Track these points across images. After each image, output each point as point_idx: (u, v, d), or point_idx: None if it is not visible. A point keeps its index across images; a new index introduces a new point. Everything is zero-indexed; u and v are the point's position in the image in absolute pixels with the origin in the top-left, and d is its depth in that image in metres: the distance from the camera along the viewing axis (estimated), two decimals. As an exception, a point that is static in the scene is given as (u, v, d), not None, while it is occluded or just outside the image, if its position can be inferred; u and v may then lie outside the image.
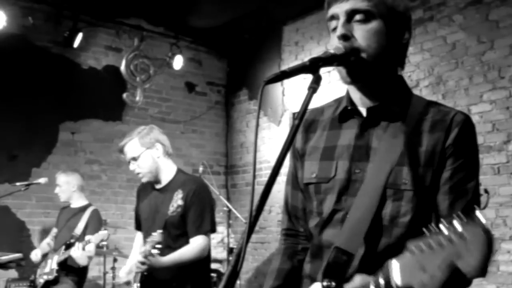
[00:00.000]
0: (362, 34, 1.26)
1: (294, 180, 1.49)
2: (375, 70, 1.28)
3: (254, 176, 0.99)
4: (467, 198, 1.27)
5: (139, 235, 3.19)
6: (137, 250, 3.11)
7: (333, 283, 1.23)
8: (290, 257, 1.49)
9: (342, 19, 1.27)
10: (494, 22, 4.42)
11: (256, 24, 6.62)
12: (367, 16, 1.26)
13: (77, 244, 4.15)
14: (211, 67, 7.21)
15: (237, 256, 0.95)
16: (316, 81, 1.08)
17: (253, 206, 0.97)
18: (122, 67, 6.24)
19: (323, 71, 1.11)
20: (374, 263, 1.19)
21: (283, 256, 1.50)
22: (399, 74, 1.37)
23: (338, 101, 1.44)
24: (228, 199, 6.63)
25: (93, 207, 4.69)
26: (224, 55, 7.33)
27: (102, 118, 6.17)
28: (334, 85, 5.66)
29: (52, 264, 4.41)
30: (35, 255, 4.63)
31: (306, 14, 6.16)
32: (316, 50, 5.98)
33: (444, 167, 1.27)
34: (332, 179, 1.34)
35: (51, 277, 4.37)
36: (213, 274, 5.12)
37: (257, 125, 1.02)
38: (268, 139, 6.57)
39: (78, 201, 4.71)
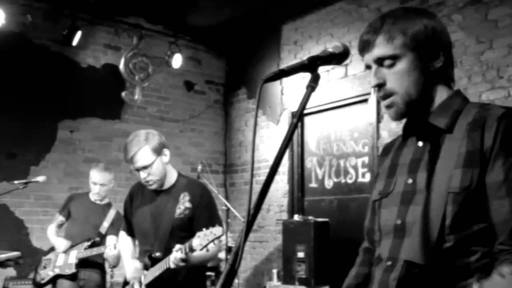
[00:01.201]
0: (392, 77, 1.32)
1: (372, 204, 1.53)
2: (416, 102, 1.33)
3: (252, 175, 0.99)
4: None
5: (123, 235, 3.13)
6: (128, 252, 3.04)
7: None
8: (367, 264, 1.54)
9: (373, 68, 1.34)
10: (493, 21, 4.42)
11: (255, 23, 6.62)
12: (394, 59, 1.31)
13: (107, 245, 4.14)
14: (210, 65, 7.21)
15: (235, 255, 0.95)
16: (315, 80, 1.09)
17: (251, 205, 0.97)
18: (121, 66, 6.24)
19: (321, 70, 1.11)
20: (441, 271, 1.22)
21: (361, 265, 1.57)
22: (455, 90, 1.38)
23: None
24: (226, 198, 6.63)
25: (115, 208, 4.59)
26: (223, 54, 7.33)
27: (101, 116, 6.17)
28: (332, 84, 5.66)
29: (70, 258, 4.28)
30: (62, 244, 4.31)
31: (305, 13, 6.16)
32: (315, 49, 5.98)
33: (493, 168, 1.21)
34: (390, 193, 1.39)
35: (68, 271, 4.23)
36: (212, 273, 5.12)
37: (256, 124, 1.02)
38: (266, 138, 6.57)
39: (104, 199, 4.61)
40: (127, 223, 3.09)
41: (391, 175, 1.42)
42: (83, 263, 4.30)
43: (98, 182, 4.47)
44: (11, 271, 5.23)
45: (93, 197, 4.53)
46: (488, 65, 4.42)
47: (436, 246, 1.21)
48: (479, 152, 1.22)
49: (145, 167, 2.77)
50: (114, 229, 4.41)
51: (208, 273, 5.06)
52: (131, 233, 3.09)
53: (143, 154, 2.76)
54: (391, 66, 1.31)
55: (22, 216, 5.56)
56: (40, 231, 5.49)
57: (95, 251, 4.22)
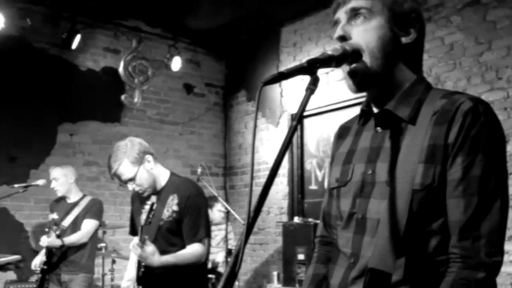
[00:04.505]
0: (360, 33, 1.25)
1: (330, 191, 1.49)
2: (380, 74, 1.26)
3: (252, 178, 0.99)
4: (486, 208, 1.15)
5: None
6: (134, 259, 3.07)
7: None
8: (324, 263, 1.48)
9: (343, 21, 1.28)
10: (492, 23, 4.43)
11: (254, 26, 6.63)
12: (366, 15, 1.26)
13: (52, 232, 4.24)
14: (209, 68, 7.22)
15: (236, 257, 0.94)
16: (314, 82, 1.08)
17: (251, 207, 0.97)
18: (120, 69, 6.25)
19: (321, 72, 1.11)
20: (414, 275, 1.18)
21: (317, 263, 1.51)
22: (418, 75, 1.33)
23: None
24: (226, 200, 6.64)
25: (90, 197, 4.63)
26: (222, 57, 7.33)
27: (101, 119, 6.17)
28: (332, 86, 5.67)
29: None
30: (34, 266, 4.47)
31: (304, 15, 6.17)
32: (314, 51, 5.98)
33: (452, 165, 1.17)
34: (348, 182, 1.35)
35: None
36: (212, 276, 5.12)
37: (255, 126, 1.02)
38: (266, 140, 6.57)
39: (75, 195, 4.62)
40: (132, 226, 3.14)
41: (348, 161, 1.37)
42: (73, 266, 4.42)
43: (51, 177, 4.57)
44: (11, 275, 5.23)
45: (58, 193, 4.59)
46: (487, 66, 4.43)
47: (402, 250, 1.17)
48: (442, 148, 1.18)
49: (130, 180, 2.80)
50: (89, 213, 4.49)
51: (209, 276, 5.06)
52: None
53: (123, 169, 2.79)
54: (361, 21, 1.26)
55: (22, 220, 5.55)
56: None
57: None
